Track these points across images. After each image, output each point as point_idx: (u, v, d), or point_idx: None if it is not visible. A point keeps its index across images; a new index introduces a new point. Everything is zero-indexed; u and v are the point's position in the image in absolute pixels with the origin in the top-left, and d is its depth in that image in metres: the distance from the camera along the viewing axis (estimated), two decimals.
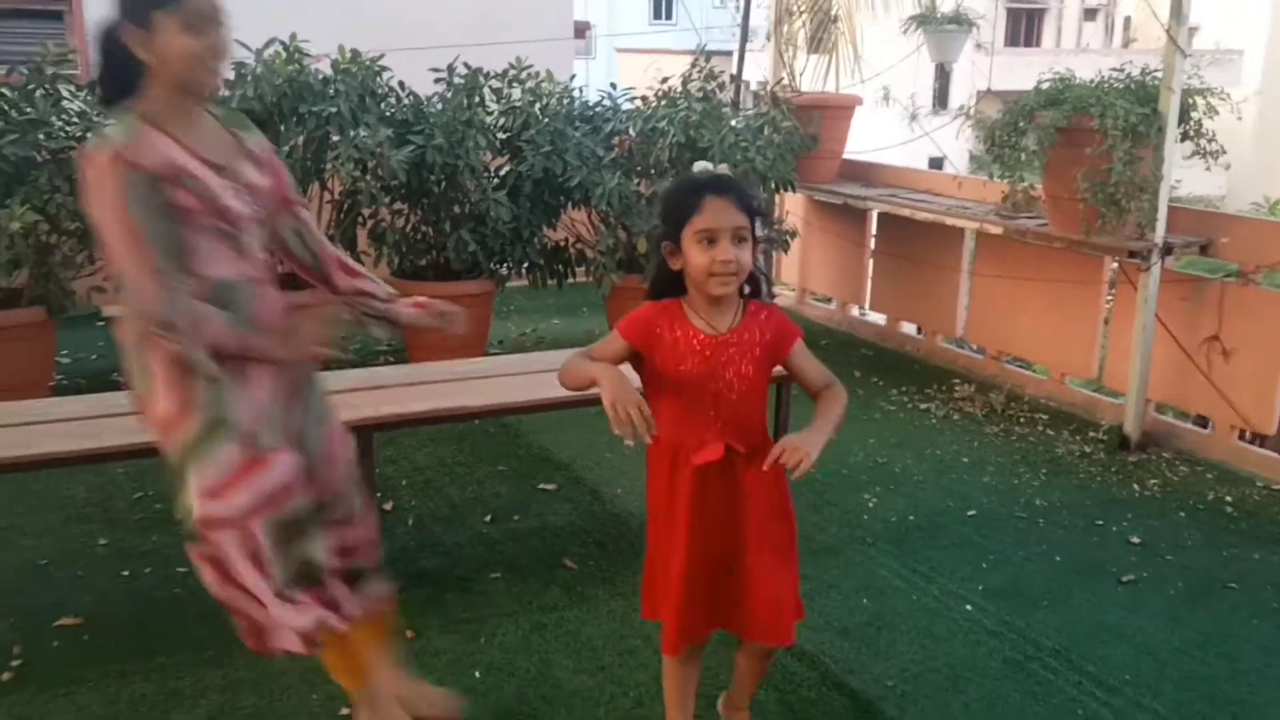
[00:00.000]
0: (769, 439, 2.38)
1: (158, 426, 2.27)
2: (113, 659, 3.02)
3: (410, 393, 3.61)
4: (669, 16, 33.20)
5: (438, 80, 5.42)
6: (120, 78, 2.20)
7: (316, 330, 2.27)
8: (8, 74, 4.95)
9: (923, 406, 5.39)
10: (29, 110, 4.76)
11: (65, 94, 4.89)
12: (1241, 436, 4.79)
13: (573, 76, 6.61)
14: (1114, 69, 4.81)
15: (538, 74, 5.74)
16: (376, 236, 5.45)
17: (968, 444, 4.90)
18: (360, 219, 5.44)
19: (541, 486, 4.26)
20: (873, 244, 6.64)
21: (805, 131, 6.22)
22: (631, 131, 5.70)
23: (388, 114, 5.29)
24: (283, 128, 4.83)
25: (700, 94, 5.82)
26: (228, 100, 4.75)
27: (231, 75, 4.90)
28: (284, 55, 5.02)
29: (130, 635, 3.15)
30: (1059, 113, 4.64)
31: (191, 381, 2.20)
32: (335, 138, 4.92)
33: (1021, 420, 5.21)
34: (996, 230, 5.37)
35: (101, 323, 6.46)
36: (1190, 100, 4.64)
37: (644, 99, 5.91)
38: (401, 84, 5.36)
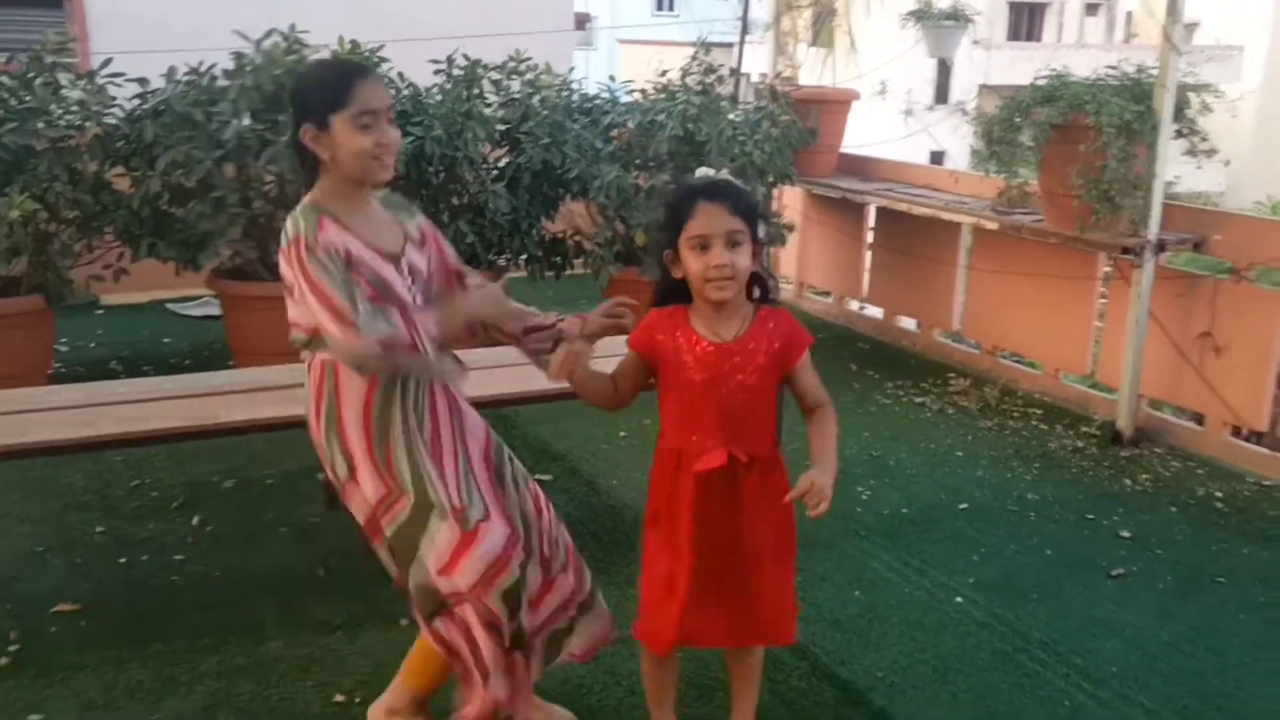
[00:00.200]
0: (777, 447, 2.40)
1: (371, 507, 2.34)
2: (110, 645, 3.05)
3: None
4: (671, 8, 33.18)
5: (437, 72, 5.43)
6: (307, 175, 2.37)
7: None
8: (7, 62, 4.96)
9: (918, 400, 5.42)
10: (28, 98, 4.77)
11: (65, 82, 4.90)
12: (1237, 433, 4.82)
13: (572, 69, 6.61)
14: (1110, 66, 4.82)
15: (537, 66, 5.75)
16: None
17: (962, 438, 4.92)
18: None
19: (538, 477, 4.22)
20: (870, 238, 6.65)
21: (803, 125, 6.24)
22: (630, 124, 5.72)
23: None
24: (281, 117, 4.83)
25: (699, 87, 5.84)
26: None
27: (231, 65, 4.91)
28: (283, 46, 5.02)
29: (127, 622, 3.19)
30: (1054, 109, 4.66)
31: (392, 458, 2.31)
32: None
33: (1015, 415, 5.23)
34: (993, 226, 5.39)
35: (100, 311, 6.50)
36: (1185, 98, 4.66)
37: (643, 92, 5.92)
38: (401, 75, 5.37)
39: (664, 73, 5.97)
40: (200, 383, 3.71)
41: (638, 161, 5.69)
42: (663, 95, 5.80)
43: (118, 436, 3.23)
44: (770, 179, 5.87)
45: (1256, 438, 4.82)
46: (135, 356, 5.66)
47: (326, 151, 2.27)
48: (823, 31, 6.99)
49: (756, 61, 7.37)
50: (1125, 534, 3.98)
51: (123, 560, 3.57)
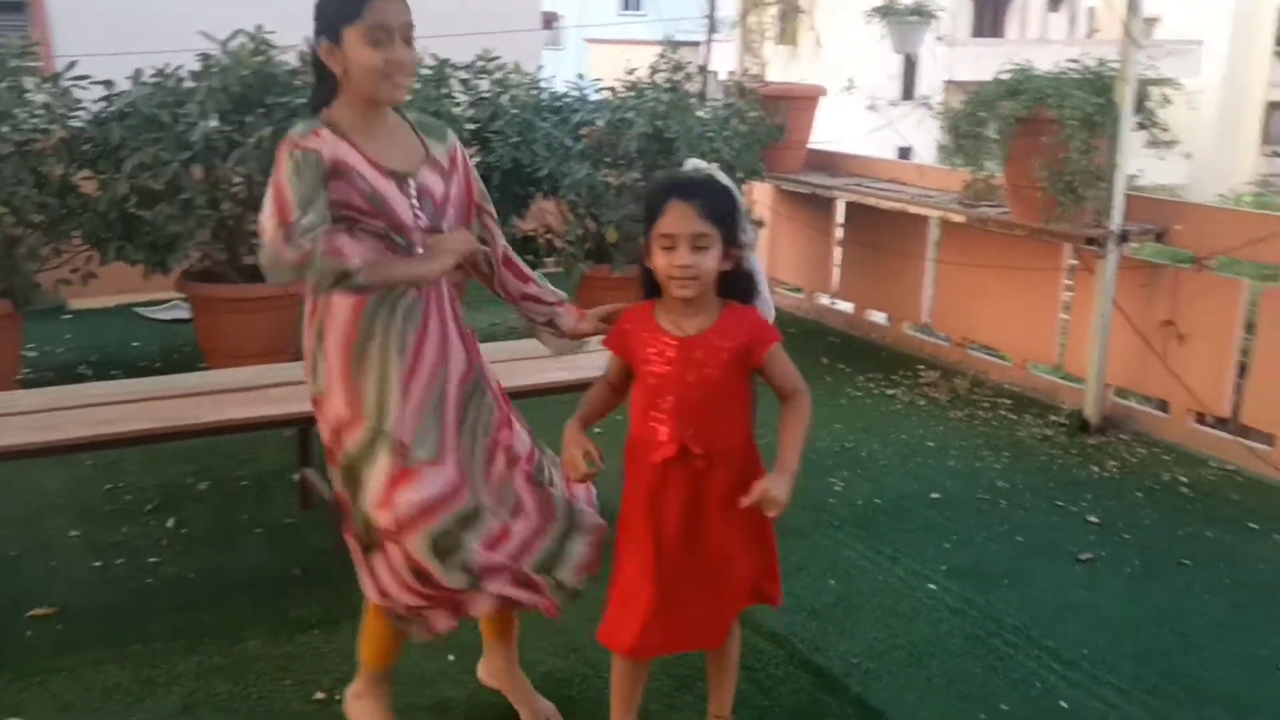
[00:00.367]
0: (743, 442, 2.39)
1: (329, 428, 2.35)
2: (86, 648, 3.05)
3: None
4: (639, 7, 33.17)
5: None
6: (323, 90, 2.30)
7: (454, 243, 2.32)
8: None
9: (889, 392, 5.47)
10: None
11: (29, 86, 4.86)
12: (1200, 419, 4.90)
13: (540, 67, 6.62)
14: (1071, 60, 4.89)
15: (506, 65, 5.76)
16: None
17: (932, 429, 4.98)
18: None
19: None
20: (839, 233, 6.71)
21: (771, 122, 6.28)
22: (600, 122, 5.74)
23: None
24: (249, 118, 4.82)
25: (667, 85, 5.87)
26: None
27: (197, 67, 4.89)
28: (250, 47, 5.01)
29: (103, 624, 3.18)
30: (1018, 103, 4.72)
31: (362, 384, 2.30)
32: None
33: (985, 405, 5.30)
34: (960, 218, 5.46)
35: (68, 315, 6.45)
36: (1145, 91, 4.73)
37: (612, 90, 5.94)
38: None
39: (632, 71, 5.99)
40: (172, 384, 3.71)
41: (607, 159, 5.71)
42: (631, 93, 5.82)
43: (91, 439, 3.23)
44: (739, 175, 5.90)
45: (1220, 423, 4.91)
46: (104, 361, 5.62)
47: (339, 66, 2.23)
48: (788, 29, 7.04)
49: (724, 59, 7.41)
50: (1093, 519, 4.05)
51: (98, 563, 3.56)
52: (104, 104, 4.88)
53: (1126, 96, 4.58)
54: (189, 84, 4.87)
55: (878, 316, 6.57)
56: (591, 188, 5.40)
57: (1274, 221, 4.63)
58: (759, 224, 6.34)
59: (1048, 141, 4.60)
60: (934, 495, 4.25)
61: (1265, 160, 23.74)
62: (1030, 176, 4.73)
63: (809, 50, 7.00)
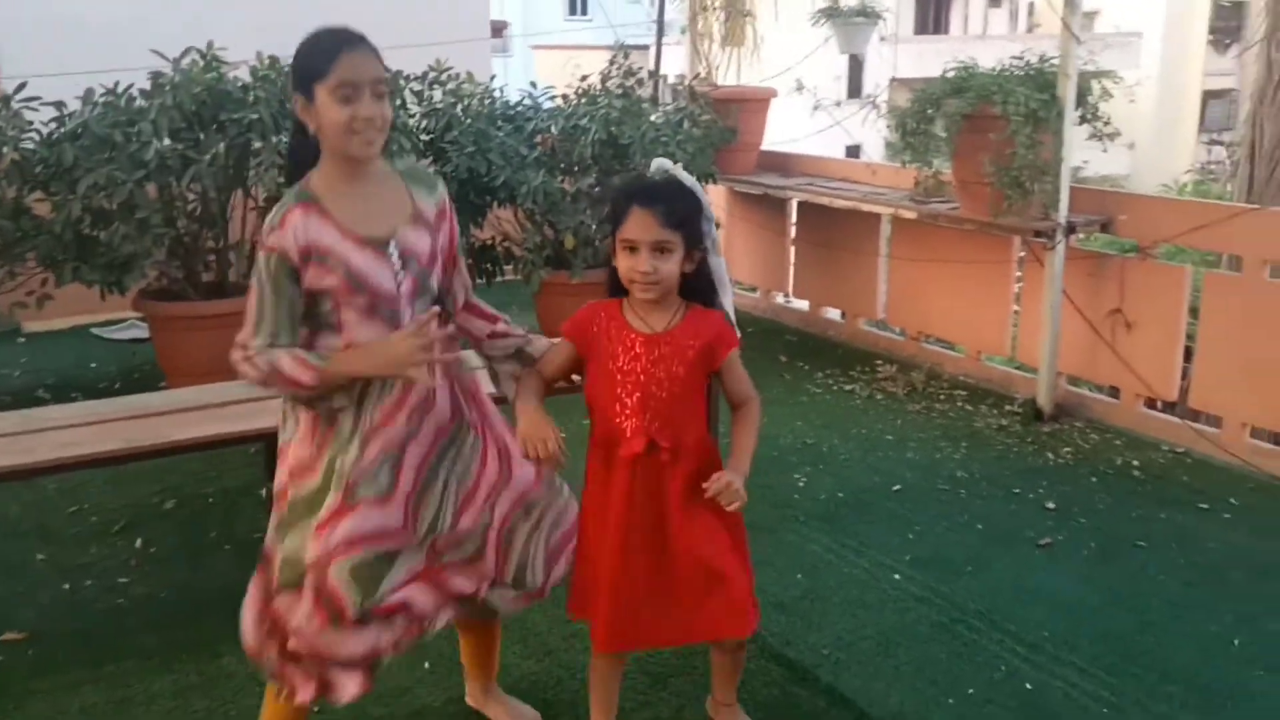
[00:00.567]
0: (707, 438, 2.45)
1: (288, 470, 2.34)
2: (60, 670, 3.04)
3: None
4: (584, 12, 33.20)
5: None
6: (305, 150, 2.31)
7: (407, 342, 2.22)
8: None
9: (847, 388, 5.56)
10: None
11: None
12: (1150, 405, 5.03)
13: (493, 77, 6.65)
14: (1014, 56, 5.00)
15: (458, 75, 5.78)
16: None
17: (891, 422, 5.07)
18: None
19: None
20: (793, 232, 6.80)
21: (724, 124, 6.36)
22: (554, 129, 5.77)
23: None
24: (203, 136, 4.81)
25: (620, 90, 5.92)
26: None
27: (149, 85, 4.87)
28: (201, 64, 5.00)
29: (76, 646, 3.17)
30: (964, 100, 4.82)
31: (329, 438, 2.30)
32: (257, 144, 4.92)
33: (942, 397, 5.40)
34: (911, 215, 5.56)
35: (22, 339, 6.38)
36: (1087, 84, 4.85)
37: (565, 97, 5.98)
38: None
39: (584, 77, 6.04)
40: (136, 405, 3.69)
41: (563, 166, 5.75)
42: (584, 100, 5.87)
43: (56, 462, 3.20)
44: (694, 178, 5.96)
45: (1168, 408, 5.04)
46: (62, 383, 5.58)
47: (313, 123, 2.24)
48: (734, 31, 7.10)
49: (672, 63, 7.48)
50: (1050, 505, 4.15)
51: (66, 586, 3.54)
52: (55, 125, 4.85)
53: (1068, 91, 4.70)
54: (140, 103, 4.85)
55: (833, 314, 6.67)
56: (548, 195, 5.43)
57: (1214, 209, 4.77)
58: (715, 225, 6.39)
59: (994, 137, 4.70)
60: (895, 487, 4.33)
61: (1204, 148, 24.20)
62: (978, 172, 4.83)
63: (754, 52, 7.08)
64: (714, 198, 7.07)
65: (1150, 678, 3.04)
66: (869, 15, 6.79)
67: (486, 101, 5.85)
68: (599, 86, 5.96)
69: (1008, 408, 5.23)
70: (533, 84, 6.22)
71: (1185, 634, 3.27)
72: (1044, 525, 3.99)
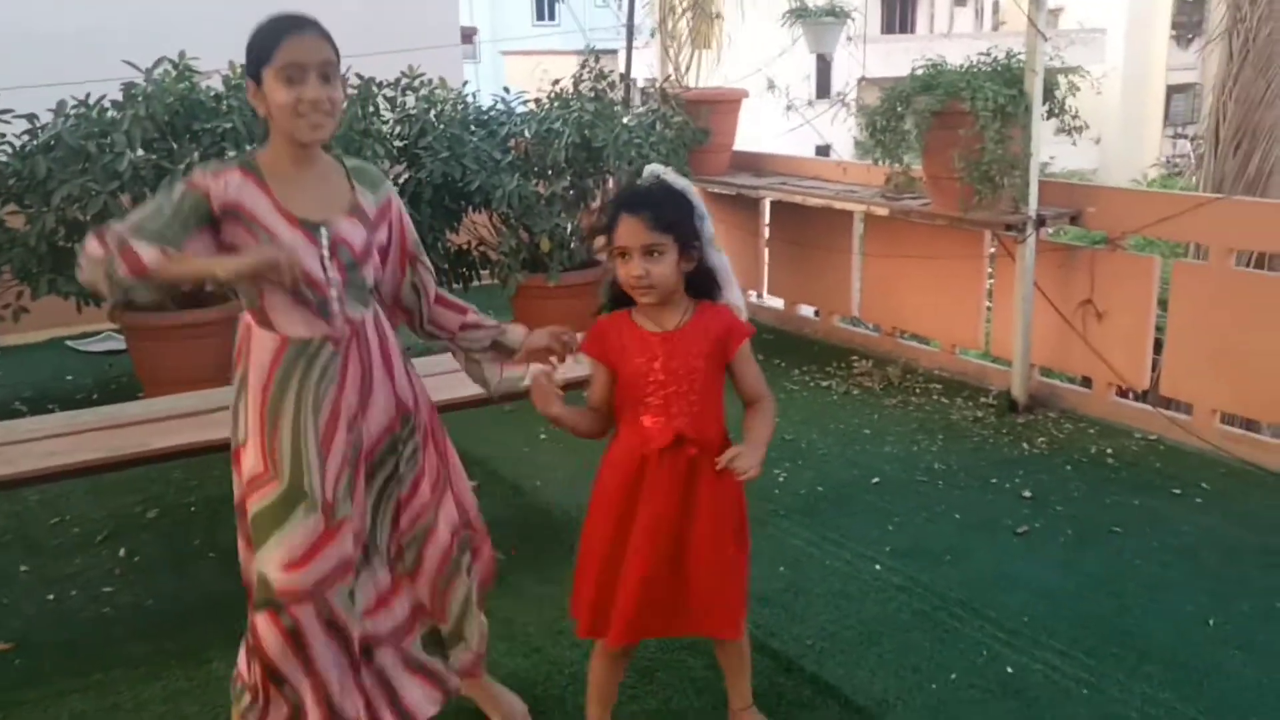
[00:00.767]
0: (725, 435, 2.48)
1: (243, 480, 2.32)
2: (48, 680, 3.05)
3: None
4: (552, 17, 33.26)
5: None
6: (263, 131, 2.30)
7: (266, 252, 2.16)
8: None
9: (824, 384, 5.61)
10: None
11: None
12: (1122, 393, 5.10)
13: (466, 82, 6.67)
14: (982, 53, 5.07)
15: (431, 81, 5.80)
16: None
17: (868, 416, 5.12)
18: None
19: None
20: (767, 232, 6.85)
21: (696, 126, 6.41)
22: (527, 134, 5.80)
23: None
24: (176, 146, 4.81)
25: (592, 94, 5.95)
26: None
27: (121, 96, 4.87)
28: (173, 74, 5.00)
29: (63, 656, 3.17)
30: (933, 97, 4.88)
31: (277, 441, 2.26)
32: (231, 153, 4.92)
33: (917, 391, 5.46)
34: (883, 211, 5.62)
35: None
36: (1053, 80, 4.93)
37: (537, 101, 6.01)
38: None
39: (557, 81, 6.07)
40: (116, 414, 3.69)
41: (537, 169, 5.78)
42: (557, 104, 5.90)
43: (39, 472, 3.21)
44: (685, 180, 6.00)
45: (1140, 396, 5.12)
46: (39, 396, 5.55)
47: (262, 107, 2.23)
48: (701, 33, 7.15)
49: (642, 66, 7.51)
50: (1027, 494, 4.21)
51: (51, 597, 3.54)
52: (28, 137, 4.84)
53: (1035, 86, 4.77)
54: (113, 114, 4.84)
55: (808, 311, 6.72)
56: (523, 198, 5.46)
57: (1180, 200, 4.85)
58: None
59: (963, 133, 4.76)
60: (874, 480, 4.38)
61: (1169, 142, 24.50)
62: (948, 168, 4.89)
63: (722, 54, 7.13)
64: None
65: (1129, 658, 3.10)
66: (838, 15, 6.86)
67: (459, 107, 5.88)
68: (571, 90, 5.99)
69: (983, 400, 5.29)
70: (505, 89, 6.25)
71: (1162, 615, 3.34)
72: (1021, 514, 4.05)
